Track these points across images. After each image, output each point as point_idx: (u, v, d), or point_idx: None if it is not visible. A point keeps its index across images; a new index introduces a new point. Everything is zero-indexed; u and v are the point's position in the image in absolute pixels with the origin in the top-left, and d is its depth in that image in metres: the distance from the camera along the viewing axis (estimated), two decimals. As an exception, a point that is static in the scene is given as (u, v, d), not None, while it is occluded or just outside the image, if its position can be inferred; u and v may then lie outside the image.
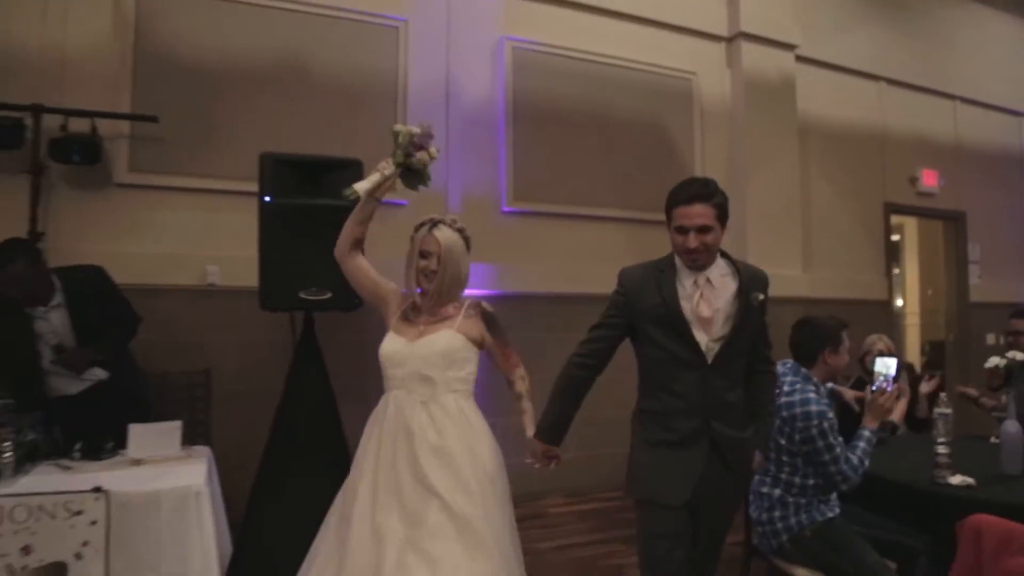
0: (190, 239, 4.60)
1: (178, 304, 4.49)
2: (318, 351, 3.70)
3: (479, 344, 2.60)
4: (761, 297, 2.38)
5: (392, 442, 2.41)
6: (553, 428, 2.54)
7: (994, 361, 3.68)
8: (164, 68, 4.58)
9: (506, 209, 5.53)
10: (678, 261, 2.40)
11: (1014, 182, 8.74)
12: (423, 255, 2.56)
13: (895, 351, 4.51)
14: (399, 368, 2.50)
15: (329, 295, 3.45)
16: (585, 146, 5.81)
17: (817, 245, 6.99)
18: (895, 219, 8.05)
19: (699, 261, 2.34)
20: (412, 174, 2.66)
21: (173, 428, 3.27)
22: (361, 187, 2.53)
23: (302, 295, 3.42)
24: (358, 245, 2.65)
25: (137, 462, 3.08)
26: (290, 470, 3.51)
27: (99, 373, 3.41)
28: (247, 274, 4.39)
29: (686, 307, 2.33)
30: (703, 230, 2.29)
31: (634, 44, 6.07)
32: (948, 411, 3.59)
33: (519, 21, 5.65)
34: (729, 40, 6.55)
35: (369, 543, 2.29)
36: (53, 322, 3.26)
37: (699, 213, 2.28)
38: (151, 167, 4.53)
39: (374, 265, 2.72)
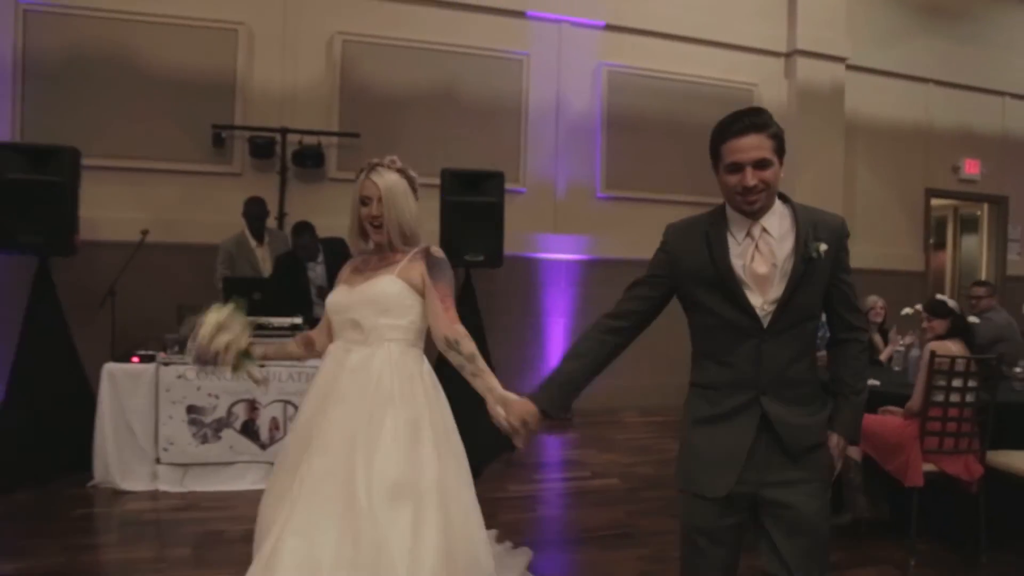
0: (376, 217, 6.58)
1: (368, 262, 6.49)
2: (474, 294, 5.62)
3: (421, 291, 2.37)
4: (824, 247, 1.94)
5: (321, 396, 2.30)
6: (555, 389, 2.08)
7: (906, 310, 5.16)
8: (360, 97, 6.57)
9: (600, 195, 7.31)
10: (730, 212, 2.03)
11: (1061, 168, 9.77)
12: (363, 202, 2.36)
13: (887, 311, 6.03)
14: (338, 315, 2.38)
15: (482, 257, 5.36)
16: (662, 146, 7.48)
17: (859, 223, 8.41)
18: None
19: (758, 203, 1.95)
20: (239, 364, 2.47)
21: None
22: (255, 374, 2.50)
23: (466, 257, 5.33)
24: (314, 343, 2.56)
25: (367, 358, 5.08)
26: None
27: (340, 304, 5.46)
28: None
29: (738, 264, 1.98)
30: (761, 164, 1.91)
31: (705, 63, 7.66)
32: (901, 348, 5.20)
33: (613, 50, 7.35)
34: (787, 55, 8.02)
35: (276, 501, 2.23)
36: (318, 272, 5.32)
37: (755, 145, 1.91)
38: (352, 167, 6.47)
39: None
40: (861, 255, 8.26)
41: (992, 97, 9.33)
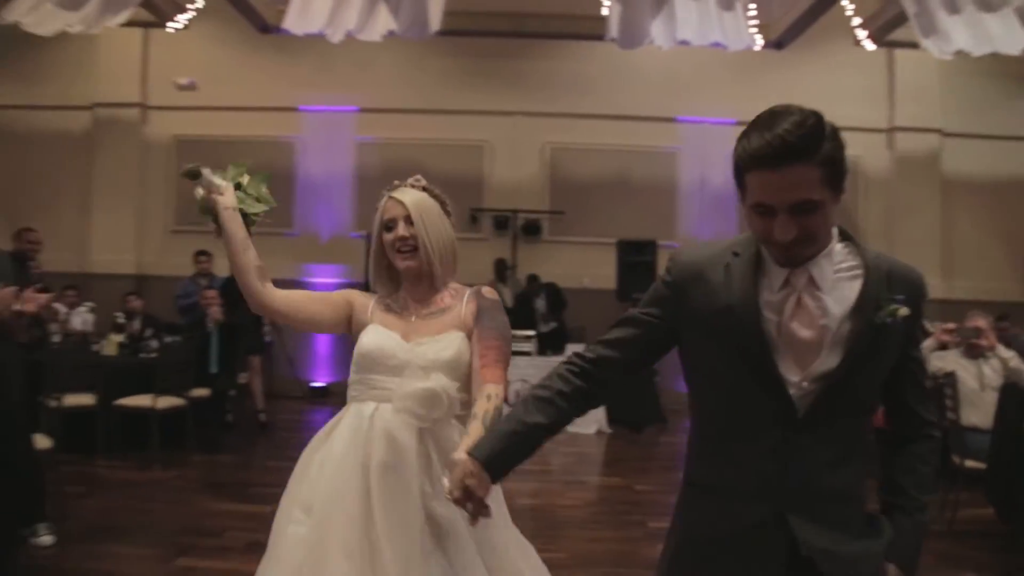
0: (573, 264, 9.67)
1: (569, 296, 9.53)
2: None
3: None
4: (903, 311, 1.35)
5: (379, 478, 1.80)
6: (498, 443, 1.48)
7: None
8: (563, 185, 9.73)
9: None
10: (764, 249, 1.41)
11: None
12: (387, 227, 1.97)
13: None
14: (394, 375, 1.87)
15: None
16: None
17: (958, 262, 10.34)
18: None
19: (796, 257, 1.35)
20: (245, 195, 2.03)
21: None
22: (207, 171, 2.01)
23: (633, 295, 8.26)
24: (265, 278, 1.98)
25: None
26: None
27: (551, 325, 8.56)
28: (601, 281, 9.38)
29: (770, 320, 1.37)
30: (803, 208, 1.27)
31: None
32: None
33: (744, 139, 10.02)
34: (888, 131, 10.26)
35: None
36: (540, 304, 8.46)
37: (794, 182, 1.26)
38: (557, 232, 9.70)
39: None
40: (959, 288, 10.22)
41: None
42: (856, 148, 10.46)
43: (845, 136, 1.39)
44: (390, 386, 1.87)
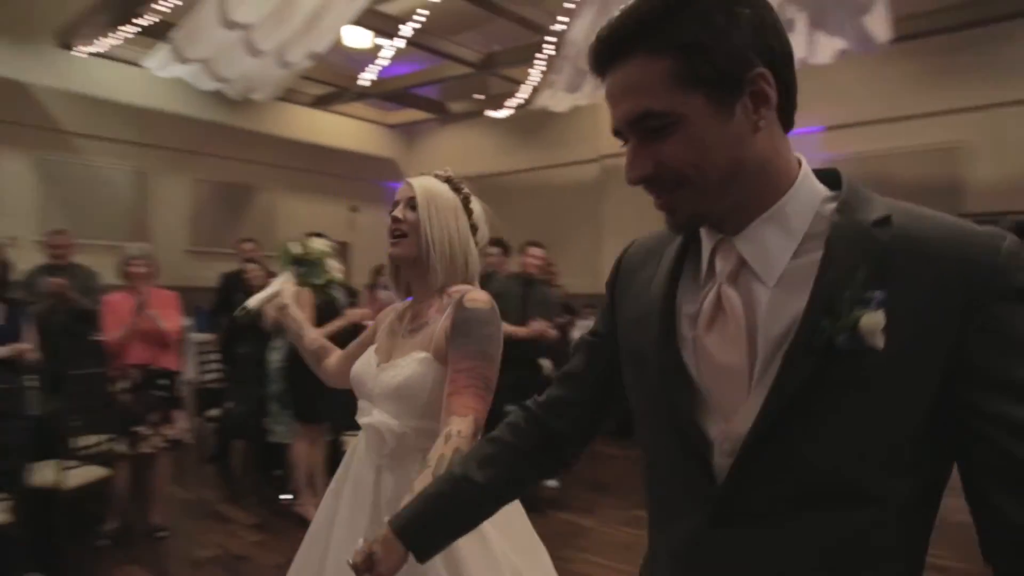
0: None
1: None
2: None
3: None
4: (873, 321, 0.77)
5: (345, 517, 1.65)
6: (420, 506, 1.13)
7: None
8: None
9: None
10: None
11: None
12: (392, 208, 1.75)
13: None
14: (363, 404, 1.72)
15: None
16: None
17: None
18: None
19: (677, 215, 0.89)
20: (306, 267, 2.19)
21: None
22: (252, 301, 2.04)
23: None
24: (324, 357, 1.99)
25: None
26: None
27: None
28: None
29: (686, 339, 0.91)
30: (647, 126, 0.85)
31: None
32: None
33: None
34: None
35: None
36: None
37: (627, 84, 0.85)
38: None
39: None
40: None
41: None
42: None
43: None
44: (363, 415, 1.69)
